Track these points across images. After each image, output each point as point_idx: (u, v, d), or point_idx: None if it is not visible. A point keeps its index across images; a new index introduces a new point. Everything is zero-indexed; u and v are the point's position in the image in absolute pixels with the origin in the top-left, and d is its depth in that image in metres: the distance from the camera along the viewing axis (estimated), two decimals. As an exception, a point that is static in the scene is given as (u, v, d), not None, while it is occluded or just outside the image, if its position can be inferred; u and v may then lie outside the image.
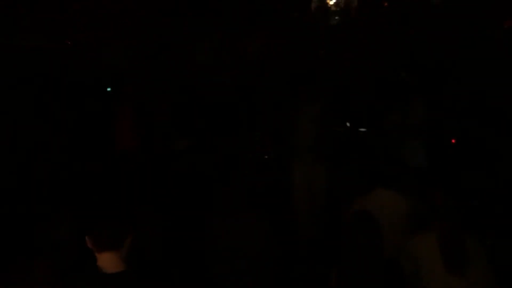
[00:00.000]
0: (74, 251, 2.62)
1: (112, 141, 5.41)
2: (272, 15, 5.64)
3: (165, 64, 6.05)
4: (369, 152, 5.35)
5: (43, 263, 2.33)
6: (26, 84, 4.80)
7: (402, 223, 3.43)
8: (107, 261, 2.18)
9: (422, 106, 5.02)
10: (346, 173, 5.59)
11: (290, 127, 4.99)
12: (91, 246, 2.21)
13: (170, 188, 5.16)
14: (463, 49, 5.80)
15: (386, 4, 5.64)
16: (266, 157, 5.48)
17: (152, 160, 5.45)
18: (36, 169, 4.29)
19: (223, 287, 3.18)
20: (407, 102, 5.02)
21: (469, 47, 5.59)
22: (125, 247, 2.22)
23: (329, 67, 6.16)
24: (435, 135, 5.01)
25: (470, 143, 5.16)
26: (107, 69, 5.65)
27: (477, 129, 5.22)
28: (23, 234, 3.03)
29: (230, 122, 5.62)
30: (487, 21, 5.50)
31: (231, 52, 6.28)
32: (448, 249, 2.68)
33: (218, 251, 3.22)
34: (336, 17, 5.30)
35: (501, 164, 4.92)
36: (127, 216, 2.29)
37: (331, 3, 5.23)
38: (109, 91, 5.72)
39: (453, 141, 5.14)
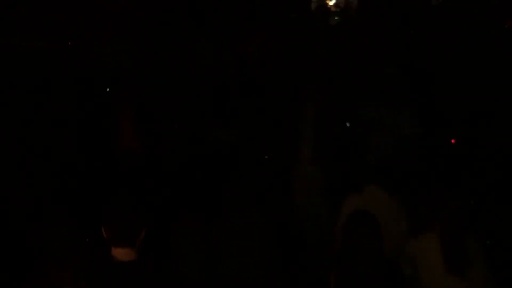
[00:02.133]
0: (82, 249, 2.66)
1: (116, 141, 5.43)
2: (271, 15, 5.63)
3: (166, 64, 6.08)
4: (368, 153, 5.35)
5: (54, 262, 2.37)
6: (26, 85, 4.77)
7: (401, 224, 3.45)
8: (121, 255, 2.26)
9: (420, 105, 5.01)
10: (345, 173, 5.60)
11: (289, 127, 5.00)
12: (107, 239, 2.29)
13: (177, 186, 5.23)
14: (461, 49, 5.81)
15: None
16: (266, 157, 5.47)
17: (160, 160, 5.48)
18: (49, 169, 4.26)
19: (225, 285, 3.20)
20: (404, 101, 5.01)
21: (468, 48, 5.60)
22: (139, 242, 2.31)
23: (328, 67, 6.16)
24: (435, 135, 5.01)
25: (470, 143, 5.15)
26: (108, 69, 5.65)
27: (477, 129, 5.22)
28: (30, 235, 3.05)
29: (230, 121, 5.60)
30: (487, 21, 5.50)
31: (231, 52, 6.29)
32: (449, 249, 2.68)
33: (220, 250, 3.24)
34: (336, 18, 5.30)
35: (501, 163, 4.92)
36: (141, 212, 2.35)
37: (331, 3, 5.23)
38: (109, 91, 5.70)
39: (452, 141, 5.13)
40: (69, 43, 4.85)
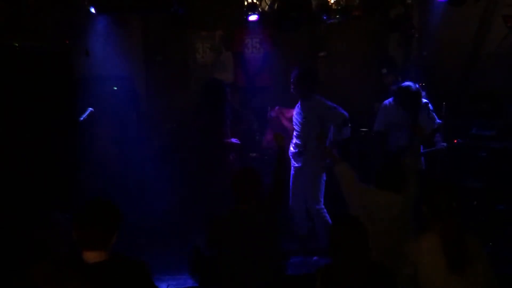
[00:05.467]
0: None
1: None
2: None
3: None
4: (368, 152, 5.33)
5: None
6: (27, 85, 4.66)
7: (400, 224, 3.41)
8: (91, 258, 2.25)
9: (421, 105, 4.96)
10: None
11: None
12: (77, 242, 2.27)
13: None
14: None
15: None
16: (266, 157, 5.44)
17: None
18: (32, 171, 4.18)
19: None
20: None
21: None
22: (110, 246, 2.29)
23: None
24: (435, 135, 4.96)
25: (471, 144, 5.11)
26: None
27: (478, 129, 5.18)
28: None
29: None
30: None
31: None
32: (449, 249, 2.65)
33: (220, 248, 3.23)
34: (337, 16, 5.28)
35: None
36: (114, 215, 2.33)
37: (332, 1, 5.20)
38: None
39: (455, 141, 5.09)
40: (66, 41, 4.79)
